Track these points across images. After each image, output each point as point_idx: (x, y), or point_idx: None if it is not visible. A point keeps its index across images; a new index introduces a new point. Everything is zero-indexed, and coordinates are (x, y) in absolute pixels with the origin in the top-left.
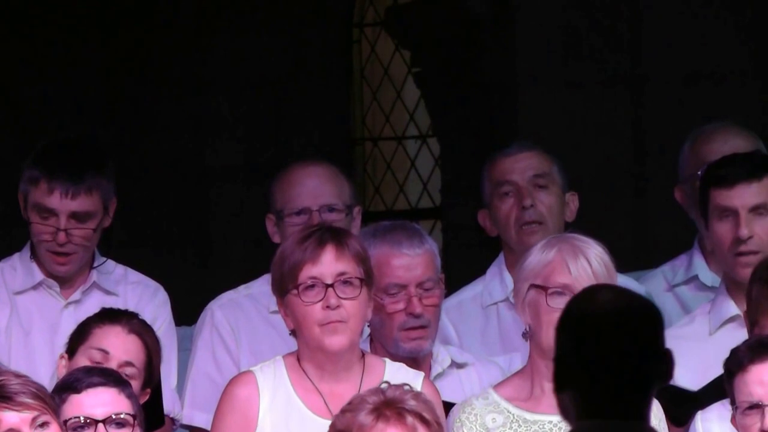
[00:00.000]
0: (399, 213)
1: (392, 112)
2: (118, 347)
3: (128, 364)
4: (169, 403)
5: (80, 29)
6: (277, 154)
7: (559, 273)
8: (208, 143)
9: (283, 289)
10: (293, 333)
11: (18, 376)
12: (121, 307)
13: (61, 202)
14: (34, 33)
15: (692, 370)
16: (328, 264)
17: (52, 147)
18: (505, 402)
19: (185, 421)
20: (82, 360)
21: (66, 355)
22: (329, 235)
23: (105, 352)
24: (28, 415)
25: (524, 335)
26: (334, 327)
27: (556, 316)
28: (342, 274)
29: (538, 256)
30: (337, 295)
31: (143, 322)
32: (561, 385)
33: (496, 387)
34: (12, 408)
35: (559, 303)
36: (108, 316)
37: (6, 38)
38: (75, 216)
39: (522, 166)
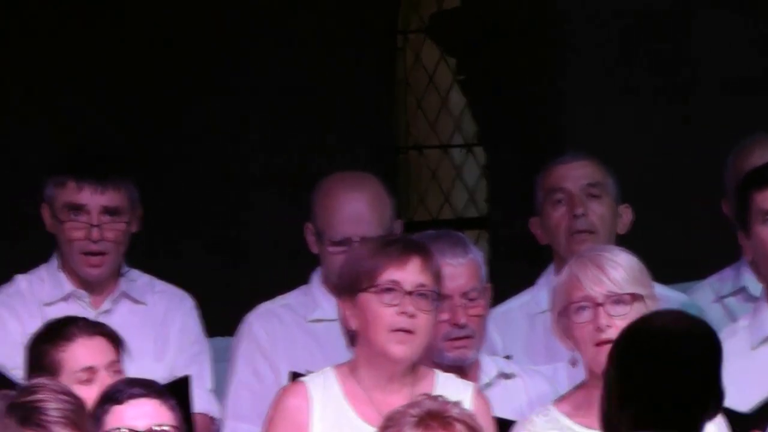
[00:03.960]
0: (444, 222)
1: (437, 120)
2: (95, 357)
3: (112, 363)
4: (207, 404)
5: (122, 38)
6: (321, 163)
7: (574, 289)
8: (251, 151)
9: (355, 287)
10: (352, 335)
11: (57, 394)
12: (151, 316)
13: (91, 197)
14: (76, 43)
15: (734, 387)
16: (412, 273)
17: (75, 154)
18: (565, 418)
19: None
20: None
21: None
22: (414, 246)
23: (90, 368)
24: None
25: (571, 362)
26: (403, 337)
27: (586, 331)
28: (422, 285)
29: (555, 283)
30: (415, 306)
31: (85, 319)
32: (609, 402)
33: (556, 402)
34: None
35: (585, 317)
36: (59, 335)
37: (48, 48)
38: (106, 211)
39: (575, 174)
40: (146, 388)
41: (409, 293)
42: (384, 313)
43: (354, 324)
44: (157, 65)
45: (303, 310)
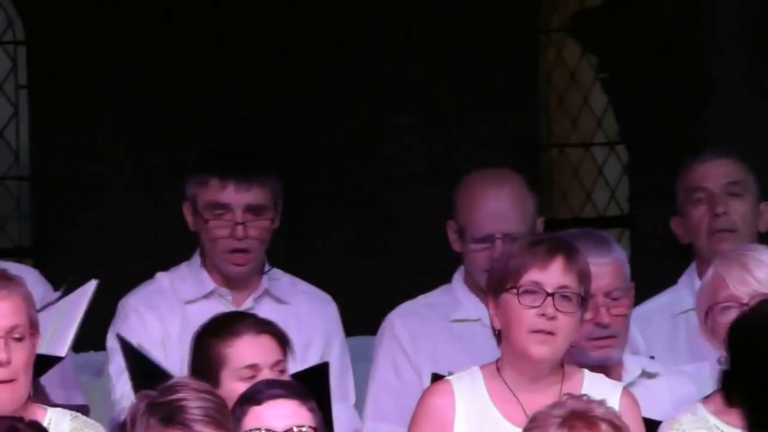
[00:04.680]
0: (585, 221)
1: (579, 119)
2: (261, 355)
3: (277, 363)
4: (348, 422)
5: (264, 39)
6: (463, 161)
7: (719, 289)
8: (393, 148)
9: (500, 287)
10: (498, 334)
11: (198, 393)
12: (293, 316)
13: (235, 195)
14: (221, 43)
15: None
16: (554, 274)
17: (216, 151)
18: (713, 417)
19: None
20: (233, 384)
21: None
22: (561, 246)
23: (254, 365)
24: None
25: (719, 361)
26: (544, 338)
27: None
28: (564, 287)
29: (702, 284)
30: (555, 307)
31: (254, 316)
32: (731, 397)
33: (704, 401)
34: None
35: (730, 317)
36: (226, 330)
37: (192, 49)
38: (250, 209)
39: (716, 173)
40: (286, 388)
41: (551, 295)
42: (525, 314)
43: (498, 324)
44: (302, 63)
45: (445, 309)
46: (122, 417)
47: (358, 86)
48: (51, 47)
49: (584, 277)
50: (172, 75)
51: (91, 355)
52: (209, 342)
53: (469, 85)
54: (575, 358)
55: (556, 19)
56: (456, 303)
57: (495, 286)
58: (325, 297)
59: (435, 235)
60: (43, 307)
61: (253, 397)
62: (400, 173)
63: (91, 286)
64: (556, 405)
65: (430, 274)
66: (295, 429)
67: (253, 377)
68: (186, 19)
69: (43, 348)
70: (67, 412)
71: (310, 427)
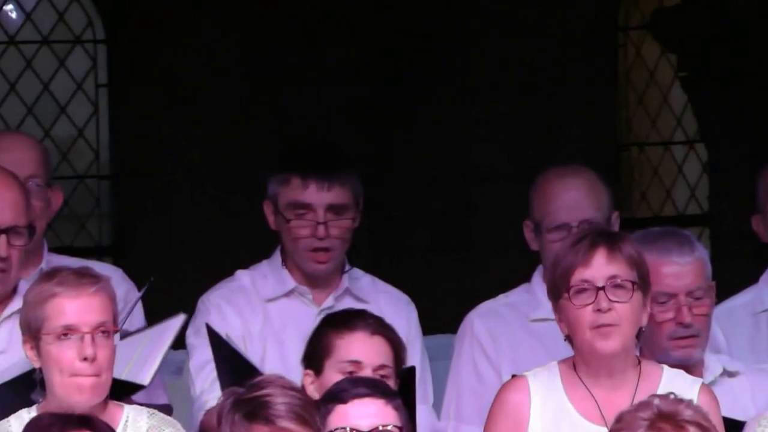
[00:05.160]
0: (666, 219)
1: (658, 117)
2: (368, 354)
3: (382, 366)
4: (427, 423)
5: (347, 37)
6: (544, 159)
7: None
8: (473, 147)
9: (557, 294)
10: (568, 338)
11: (285, 389)
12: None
13: (317, 195)
14: (303, 41)
15: None
16: (599, 267)
17: (297, 150)
18: None
19: None
20: (334, 376)
21: (311, 372)
22: (601, 238)
23: (357, 362)
24: None
25: None
26: (606, 331)
27: None
28: (613, 277)
29: None
30: (609, 299)
31: (377, 318)
32: None
33: None
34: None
35: None
36: (343, 323)
37: (273, 47)
38: (331, 209)
39: None
40: (371, 387)
41: (601, 288)
42: (582, 314)
43: (565, 329)
44: (385, 61)
45: (525, 308)
46: (202, 414)
47: (440, 85)
48: (131, 46)
49: (634, 262)
50: (254, 74)
51: (171, 354)
52: (325, 330)
53: (548, 84)
54: (657, 357)
55: (636, 17)
56: (535, 302)
57: (552, 294)
58: (404, 298)
59: (516, 234)
60: (129, 334)
61: (338, 395)
62: (481, 172)
63: (180, 319)
64: (642, 406)
65: (512, 272)
66: (380, 428)
67: (352, 373)
68: (266, 17)
69: (125, 374)
70: (144, 410)
71: (395, 426)
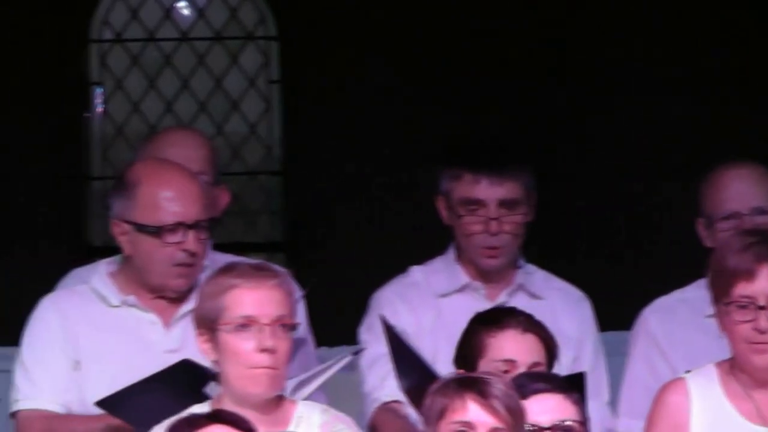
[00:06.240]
0: None
1: None
2: (520, 352)
3: (536, 364)
4: (602, 420)
5: (510, 31)
6: (721, 156)
7: None
8: (647, 145)
9: (716, 298)
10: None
11: (505, 381)
12: (548, 312)
13: (488, 190)
14: (468, 36)
15: None
16: (763, 284)
17: (468, 145)
18: None
19: (622, 430)
20: None
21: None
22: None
23: (511, 361)
24: (491, 421)
25: None
26: (763, 348)
27: None
28: None
29: None
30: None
31: (527, 315)
32: None
33: None
34: (484, 407)
35: None
36: (494, 322)
37: (440, 43)
38: (503, 204)
39: None
40: (550, 382)
41: (762, 308)
42: (740, 328)
43: (721, 327)
44: (551, 57)
45: (700, 304)
46: (373, 409)
47: (607, 84)
48: (303, 43)
49: None
50: (425, 72)
51: (344, 350)
52: (476, 329)
53: (718, 80)
54: None
55: None
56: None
57: (712, 291)
58: (579, 294)
59: (690, 229)
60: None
61: (517, 392)
62: (656, 169)
63: (346, 359)
64: None
65: (687, 268)
66: (559, 423)
67: (507, 372)
68: (431, 12)
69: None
70: (317, 406)
71: (575, 420)
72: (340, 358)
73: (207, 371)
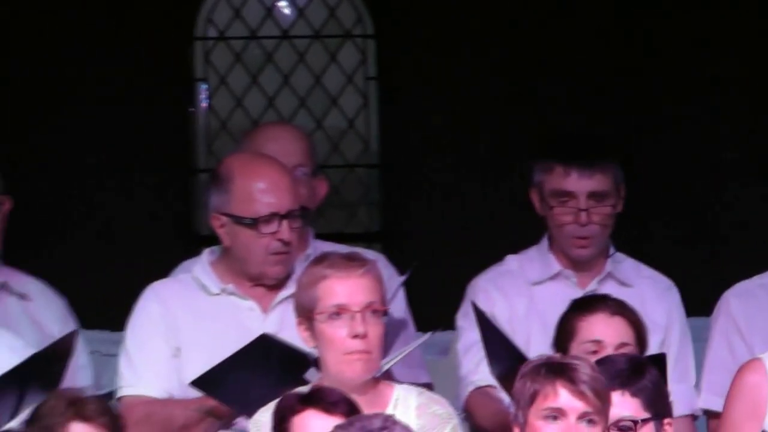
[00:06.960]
0: None
1: None
2: (607, 333)
3: (623, 345)
4: (687, 403)
5: (583, 28)
6: None
7: None
8: (725, 138)
9: None
10: None
11: (593, 366)
12: (637, 300)
13: (578, 182)
14: (547, 30)
15: None
16: None
17: (559, 138)
18: None
19: (702, 405)
20: None
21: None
22: None
23: (598, 341)
24: (581, 406)
25: None
26: None
27: None
28: None
29: None
30: None
31: (618, 300)
32: None
33: None
34: (574, 393)
35: None
36: (586, 307)
37: (515, 38)
38: (593, 196)
39: None
40: (614, 379)
41: None
42: None
43: None
44: (627, 52)
45: None
46: (467, 392)
47: (684, 82)
48: (399, 41)
49: None
50: (518, 68)
51: (438, 335)
52: (569, 314)
53: None
54: None
55: None
56: None
57: None
58: (667, 283)
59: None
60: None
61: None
62: (734, 161)
63: (424, 337)
64: None
65: (765, 255)
66: (620, 422)
67: (595, 353)
68: (522, 9)
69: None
70: (414, 389)
71: (632, 420)
72: (419, 337)
73: (294, 351)
